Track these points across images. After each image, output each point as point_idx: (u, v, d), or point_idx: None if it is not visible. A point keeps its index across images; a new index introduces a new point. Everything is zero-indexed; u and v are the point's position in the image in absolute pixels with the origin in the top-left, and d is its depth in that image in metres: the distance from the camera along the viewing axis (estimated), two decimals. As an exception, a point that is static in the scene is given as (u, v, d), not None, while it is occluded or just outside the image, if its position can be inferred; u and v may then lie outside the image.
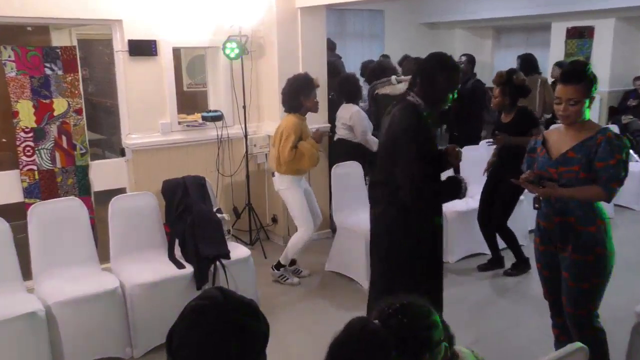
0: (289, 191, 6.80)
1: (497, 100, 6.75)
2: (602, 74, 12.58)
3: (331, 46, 10.16)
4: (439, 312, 2.68)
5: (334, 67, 9.25)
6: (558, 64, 11.15)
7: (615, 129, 8.86)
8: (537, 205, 4.39)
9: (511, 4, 13.86)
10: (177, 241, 6.14)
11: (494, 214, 7.16)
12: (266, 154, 8.33)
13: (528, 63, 10.58)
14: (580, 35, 13.16)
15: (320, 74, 7.80)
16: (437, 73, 4.41)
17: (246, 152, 8.09)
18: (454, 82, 4.43)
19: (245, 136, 8.03)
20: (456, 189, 4.48)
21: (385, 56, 12.50)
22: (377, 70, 8.84)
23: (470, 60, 10.50)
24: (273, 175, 6.90)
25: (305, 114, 6.70)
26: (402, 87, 7.74)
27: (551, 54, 13.79)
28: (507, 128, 6.81)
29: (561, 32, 13.67)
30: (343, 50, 13.33)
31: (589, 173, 4.11)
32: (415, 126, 4.35)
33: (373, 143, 7.81)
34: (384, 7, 15.60)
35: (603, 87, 12.87)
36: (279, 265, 7.20)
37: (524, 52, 11.07)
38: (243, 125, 7.97)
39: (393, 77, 8.40)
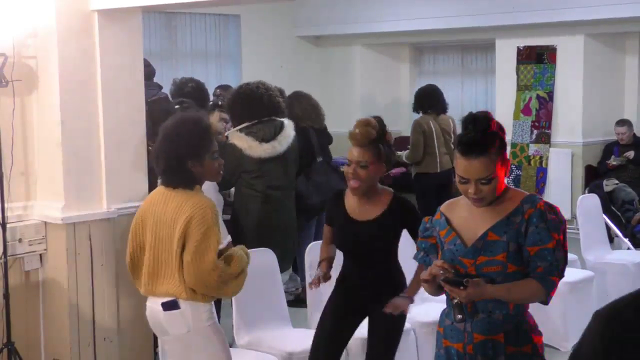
0: (210, 337, 5.16)
1: (357, 174, 5.27)
2: (571, 118, 12.39)
3: (147, 71, 9.19)
4: None
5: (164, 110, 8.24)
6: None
7: (595, 200, 8.70)
8: (460, 316, 3.91)
9: (435, 11, 12.92)
10: None
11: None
12: (41, 255, 7.19)
13: (426, 99, 10.11)
14: (539, 59, 12.69)
15: (136, 118, 7.22)
16: None
17: (4, 251, 6.92)
18: None
19: (3, 224, 6.90)
20: None
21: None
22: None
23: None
24: (169, 307, 5.23)
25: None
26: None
27: (498, 86, 13.19)
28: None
29: (510, 54, 13.01)
30: (173, 75, 12.31)
31: (521, 265, 3.84)
32: None
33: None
34: (240, 11, 13.70)
35: (575, 137, 12.49)
36: None
37: (427, 84, 10.81)
38: (-2, 206, 7.04)
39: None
